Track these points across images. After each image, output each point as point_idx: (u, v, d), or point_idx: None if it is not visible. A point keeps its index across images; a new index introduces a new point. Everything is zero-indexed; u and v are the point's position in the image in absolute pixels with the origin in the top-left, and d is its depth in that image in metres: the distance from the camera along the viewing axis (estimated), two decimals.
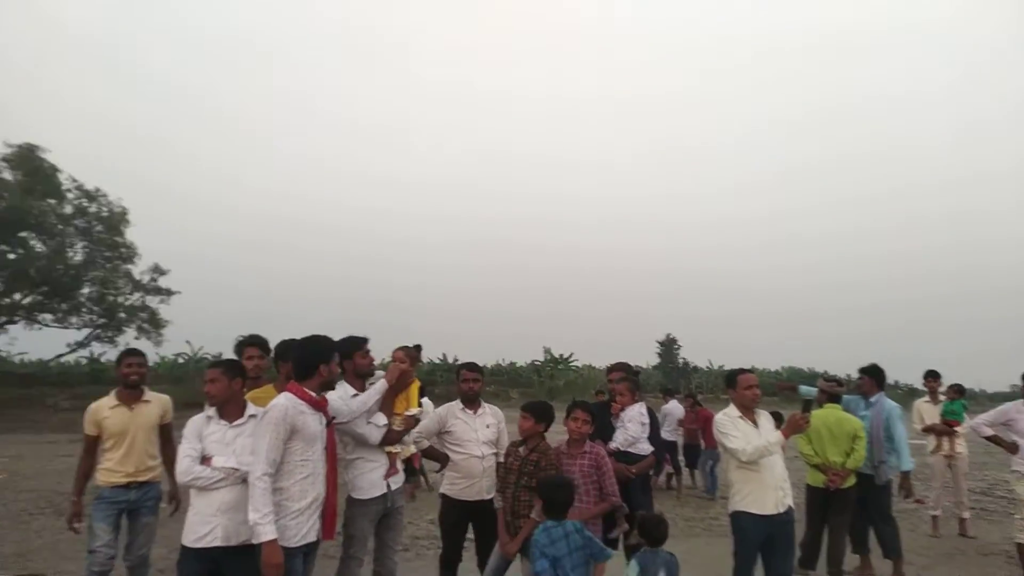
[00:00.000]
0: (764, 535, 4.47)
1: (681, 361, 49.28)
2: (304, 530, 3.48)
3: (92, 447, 4.70)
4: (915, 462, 6.22)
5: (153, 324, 33.16)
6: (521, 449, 4.42)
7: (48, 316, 32.24)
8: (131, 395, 4.72)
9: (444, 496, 4.83)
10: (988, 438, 6.24)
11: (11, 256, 30.35)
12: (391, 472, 4.31)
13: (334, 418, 3.81)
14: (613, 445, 4.89)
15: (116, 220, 32.36)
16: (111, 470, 4.60)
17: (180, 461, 3.57)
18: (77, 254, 32.15)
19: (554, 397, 30.75)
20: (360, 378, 4.32)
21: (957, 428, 8.02)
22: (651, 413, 5.20)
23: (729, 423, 4.62)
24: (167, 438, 4.89)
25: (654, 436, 5.13)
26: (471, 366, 5.05)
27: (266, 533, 3.25)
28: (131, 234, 33.15)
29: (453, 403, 4.97)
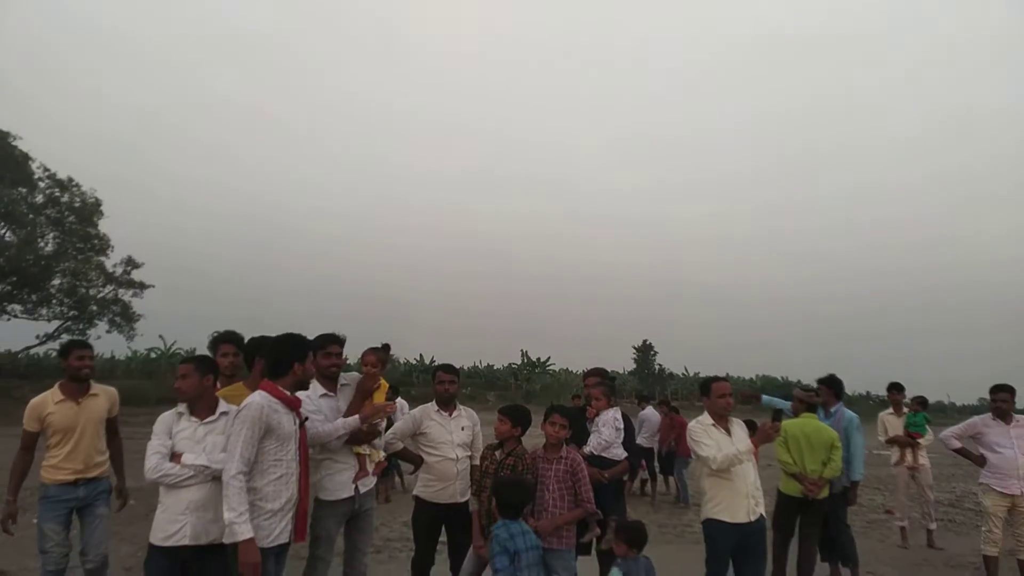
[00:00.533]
0: (736, 543, 4.50)
1: (657, 367, 49.55)
2: (277, 531, 3.43)
3: (31, 444, 4.45)
4: (864, 473, 6.26)
5: (125, 318, 32.64)
6: (497, 452, 4.40)
7: (17, 307, 31.61)
8: (78, 389, 4.51)
9: (417, 498, 4.80)
10: (956, 451, 6.33)
11: None
12: (360, 475, 4.27)
13: (307, 418, 3.76)
14: (587, 449, 4.89)
15: (89, 211, 31.80)
16: (57, 467, 4.36)
17: (149, 458, 3.49)
18: (48, 244, 31.60)
19: (531, 400, 30.78)
20: (326, 378, 4.26)
21: (920, 440, 8.15)
22: (626, 418, 5.20)
23: (702, 431, 4.65)
24: (114, 431, 4.73)
25: (628, 441, 5.13)
26: (447, 368, 5.02)
27: (242, 532, 3.21)
28: (104, 225, 32.60)
29: (428, 405, 4.94)
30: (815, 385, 6.48)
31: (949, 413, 44.95)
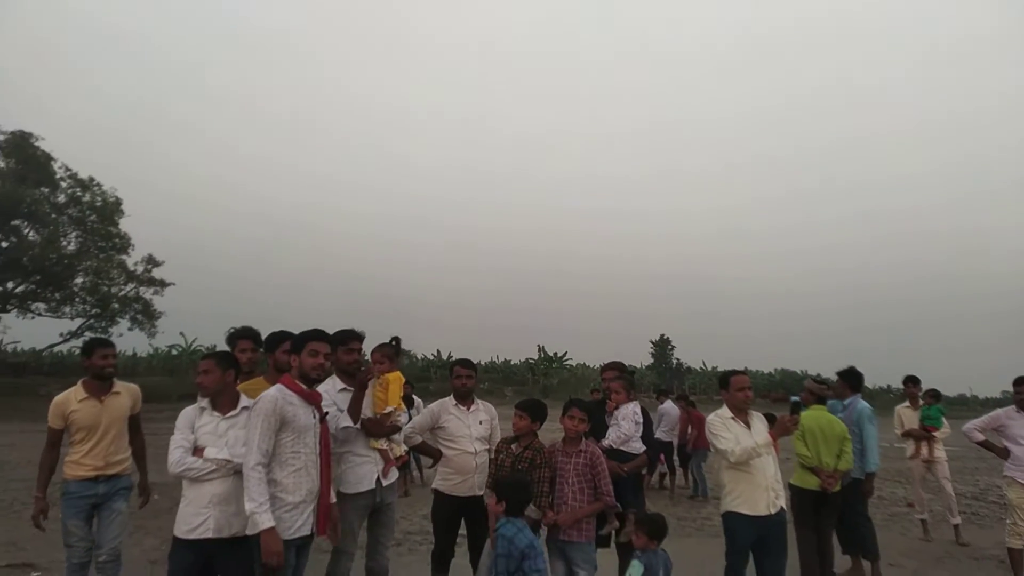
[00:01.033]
0: (756, 536, 4.49)
1: (675, 362, 49.38)
2: (298, 523, 3.47)
3: (56, 440, 4.50)
4: (879, 464, 6.19)
5: (147, 315, 33.12)
6: (514, 446, 4.41)
7: (41, 305, 32.22)
8: (101, 387, 4.52)
9: (437, 491, 4.82)
10: (979, 443, 6.25)
11: (3, 244, 30.25)
12: (387, 468, 4.31)
13: (327, 413, 3.79)
14: (606, 442, 4.88)
15: (110, 210, 32.31)
16: (78, 463, 4.39)
17: (172, 452, 3.55)
18: (70, 243, 32.16)
19: (548, 395, 30.80)
20: (346, 374, 4.29)
21: (935, 433, 8.07)
22: (644, 412, 5.19)
23: (720, 424, 4.64)
24: (136, 429, 4.75)
25: (647, 435, 5.12)
26: (465, 363, 5.04)
27: (264, 522, 3.25)
28: (125, 224, 33.04)
29: (446, 399, 4.96)
30: (835, 378, 6.44)
31: (972, 406, 44.34)
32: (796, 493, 5.70)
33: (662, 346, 49.88)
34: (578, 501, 4.24)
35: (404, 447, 4.57)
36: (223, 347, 4.51)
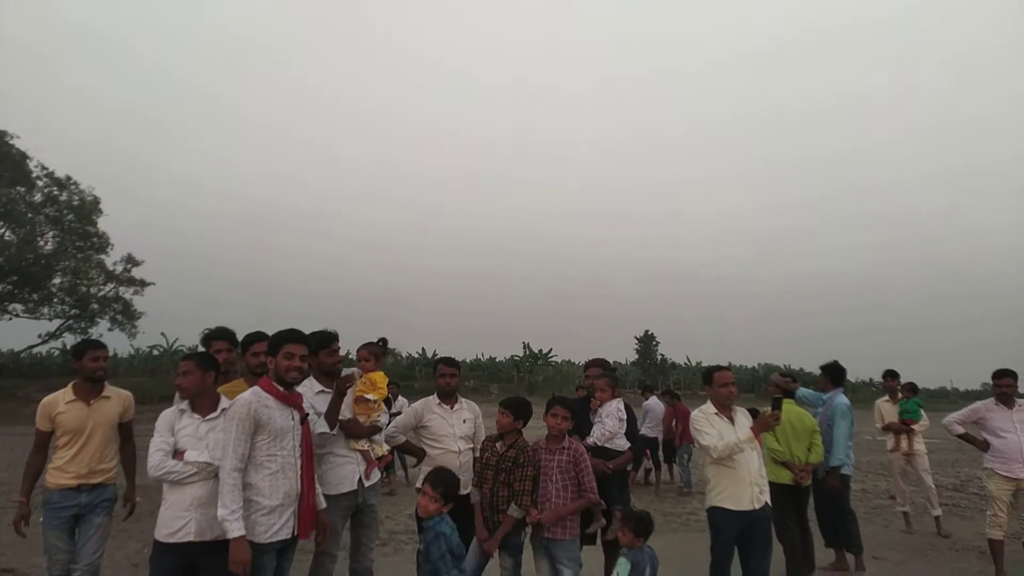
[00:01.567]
0: (740, 530, 4.50)
1: (659, 357, 49.57)
2: (276, 527, 3.44)
3: (44, 443, 4.35)
4: (843, 460, 6.14)
5: (127, 315, 32.71)
6: (498, 444, 4.39)
7: (19, 306, 31.67)
8: (91, 390, 4.36)
9: (420, 491, 4.79)
10: (959, 436, 6.32)
11: None
12: (369, 469, 4.29)
13: (307, 415, 3.75)
14: (591, 440, 4.88)
15: (87, 209, 31.82)
16: (61, 469, 4.22)
17: (152, 455, 3.49)
18: (48, 243, 31.68)
19: (533, 392, 30.83)
20: (326, 375, 4.26)
21: (914, 426, 8.18)
22: (628, 409, 5.20)
23: (704, 420, 4.65)
24: (127, 437, 4.59)
25: (631, 432, 5.13)
26: (448, 361, 5.02)
27: (234, 530, 3.23)
28: (103, 224, 32.58)
29: (430, 398, 4.94)
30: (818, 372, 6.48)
31: (952, 399, 44.97)
32: (772, 488, 5.74)
33: (647, 342, 50.05)
34: (562, 499, 4.23)
35: (386, 447, 4.54)
36: (202, 349, 4.45)
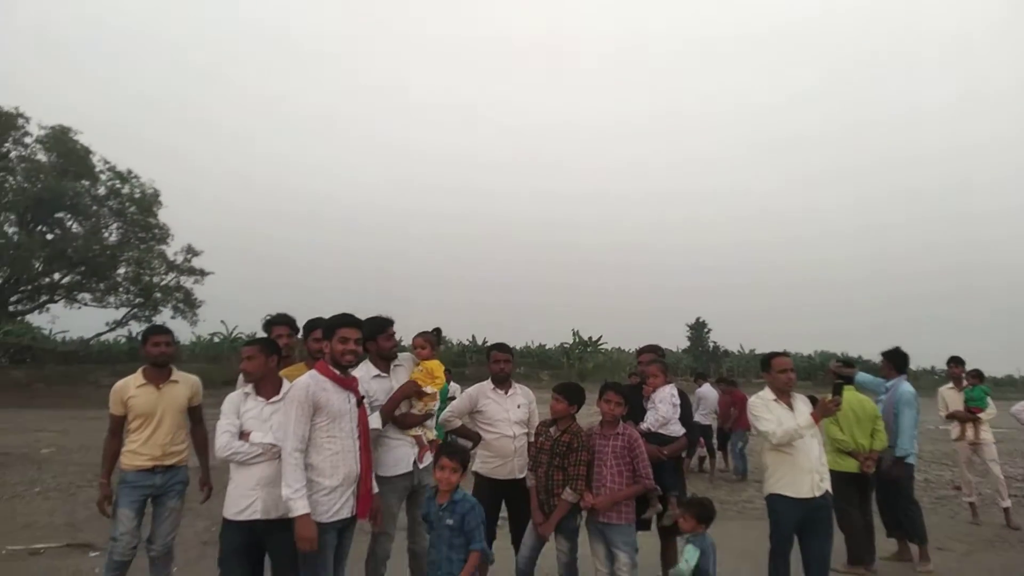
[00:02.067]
0: (800, 518, 4.42)
1: (711, 345, 48.82)
2: (336, 506, 3.53)
3: (118, 427, 4.47)
4: (909, 450, 5.95)
5: (188, 304, 33.82)
6: (552, 429, 4.41)
7: (87, 296, 33.08)
8: (159, 374, 4.50)
9: (477, 475, 4.84)
10: None
11: (49, 237, 31.08)
12: (422, 454, 4.36)
13: (364, 397, 3.83)
14: (644, 426, 4.84)
15: (148, 201, 32.99)
16: (136, 452, 4.36)
17: (219, 436, 3.64)
18: (112, 235, 32.92)
19: (584, 379, 30.68)
20: (383, 360, 4.34)
21: (980, 415, 7.87)
22: (683, 395, 5.14)
23: (762, 406, 4.57)
24: (197, 420, 4.70)
25: (686, 418, 5.08)
26: (502, 347, 5.04)
27: (299, 508, 3.33)
28: (164, 215, 33.67)
29: (484, 383, 4.97)
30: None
31: (1021, 387, 43.21)
32: (835, 477, 5.63)
33: (698, 329, 49.32)
34: (617, 484, 4.23)
35: (435, 432, 4.60)
36: (261, 335, 4.57)
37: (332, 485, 3.52)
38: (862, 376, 6.36)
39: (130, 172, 32.83)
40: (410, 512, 4.45)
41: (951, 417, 8.12)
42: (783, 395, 4.59)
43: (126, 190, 32.77)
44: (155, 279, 33.20)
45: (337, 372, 3.63)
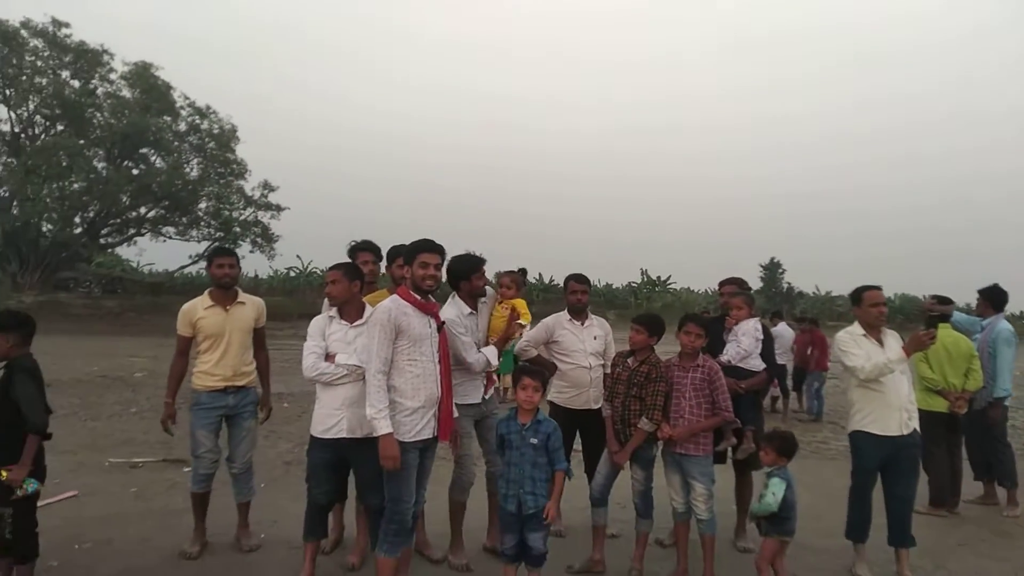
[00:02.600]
0: (885, 457, 4.29)
1: (785, 286, 47.47)
2: (418, 427, 3.60)
3: (185, 348, 4.53)
4: (1009, 391, 5.73)
5: (266, 239, 34.80)
6: (630, 360, 4.37)
7: (171, 229, 34.46)
8: (225, 296, 4.53)
9: (552, 404, 4.86)
10: None
11: (135, 171, 32.29)
12: (489, 385, 4.44)
13: (444, 323, 3.86)
14: (724, 358, 4.73)
15: (227, 137, 33.75)
16: (208, 373, 4.43)
17: (306, 357, 3.76)
18: (193, 170, 33.88)
19: None
20: (473, 298, 4.37)
21: None
22: (766, 330, 5.00)
23: (851, 340, 4.40)
24: (260, 343, 4.72)
25: (767, 354, 4.94)
26: (579, 277, 4.97)
27: (382, 427, 3.41)
28: (241, 151, 34.44)
29: (561, 314, 4.95)
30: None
31: None
32: (923, 416, 5.43)
33: (772, 270, 47.91)
34: (695, 416, 4.18)
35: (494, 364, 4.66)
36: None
37: (414, 406, 3.58)
38: (957, 315, 6.06)
39: (208, 108, 33.65)
40: (481, 439, 4.53)
41: None
42: (873, 330, 4.40)
43: (205, 126, 33.67)
44: (234, 214, 34.24)
45: (418, 297, 3.66)
